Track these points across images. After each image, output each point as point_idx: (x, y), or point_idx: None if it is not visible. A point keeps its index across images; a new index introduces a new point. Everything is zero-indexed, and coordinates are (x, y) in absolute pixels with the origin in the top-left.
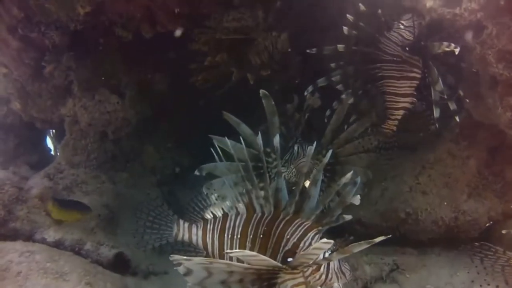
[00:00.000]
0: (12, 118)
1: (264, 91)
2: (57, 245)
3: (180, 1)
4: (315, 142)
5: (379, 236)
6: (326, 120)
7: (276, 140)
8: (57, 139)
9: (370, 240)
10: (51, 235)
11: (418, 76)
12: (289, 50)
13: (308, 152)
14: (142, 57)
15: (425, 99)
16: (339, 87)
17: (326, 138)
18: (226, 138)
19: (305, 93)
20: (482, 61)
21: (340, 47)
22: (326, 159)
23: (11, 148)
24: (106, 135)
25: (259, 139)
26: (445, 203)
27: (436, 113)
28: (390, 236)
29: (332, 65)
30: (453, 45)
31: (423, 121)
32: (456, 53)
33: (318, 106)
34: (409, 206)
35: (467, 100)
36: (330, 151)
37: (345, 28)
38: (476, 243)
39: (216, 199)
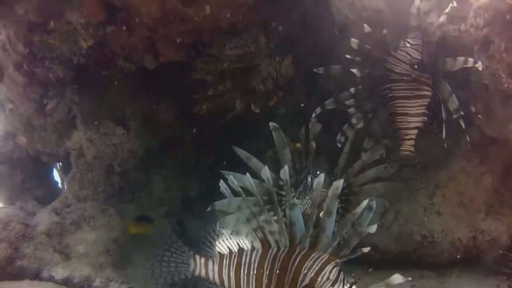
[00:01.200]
0: (19, 152)
1: (274, 124)
2: (65, 282)
3: (181, 31)
4: (323, 174)
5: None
6: (339, 145)
7: (285, 172)
8: (63, 172)
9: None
10: (59, 272)
11: (429, 94)
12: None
13: (316, 185)
14: (146, 88)
15: (435, 118)
16: (351, 110)
17: (340, 167)
18: (237, 174)
19: (313, 115)
20: (492, 77)
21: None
22: (338, 190)
23: (18, 183)
24: (113, 168)
25: (267, 172)
26: (462, 223)
27: (444, 133)
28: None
29: (352, 89)
30: (471, 60)
31: (434, 141)
32: (480, 68)
33: (320, 130)
34: (424, 228)
35: (479, 116)
36: (342, 181)
37: (348, 56)
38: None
39: (230, 235)
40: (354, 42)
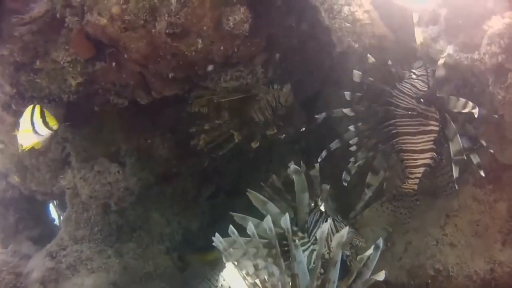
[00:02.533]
0: (12, 192)
1: (295, 167)
2: None
3: (173, 66)
4: (327, 227)
5: None
6: (345, 184)
7: (286, 220)
8: (60, 208)
9: None
10: None
11: (436, 129)
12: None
13: (320, 235)
14: (141, 122)
15: (445, 152)
16: (352, 148)
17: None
18: (253, 219)
19: (319, 159)
20: (508, 106)
21: (347, 111)
22: (343, 239)
23: (11, 224)
24: (109, 206)
25: (287, 222)
26: (478, 254)
27: (456, 172)
28: None
29: (351, 127)
30: (471, 104)
31: (443, 177)
32: (476, 115)
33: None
34: (437, 261)
35: (491, 151)
36: (347, 229)
37: (346, 93)
38: None
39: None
40: (356, 74)
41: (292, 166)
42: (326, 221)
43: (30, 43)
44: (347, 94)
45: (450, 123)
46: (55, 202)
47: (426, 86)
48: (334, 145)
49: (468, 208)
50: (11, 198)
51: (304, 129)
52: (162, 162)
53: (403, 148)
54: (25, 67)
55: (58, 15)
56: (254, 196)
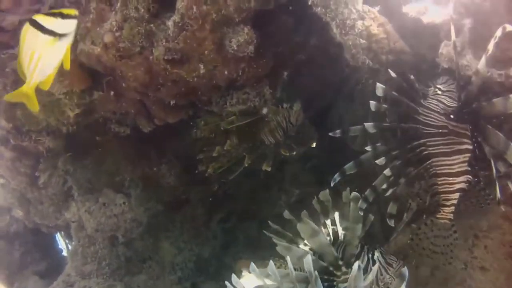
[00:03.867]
0: (16, 226)
1: (357, 194)
2: None
3: (175, 93)
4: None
5: None
6: (361, 213)
7: (309, 262)
8: (68, 237)
9: None
10: None
11: (470, 147)
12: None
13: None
14: (145, 150)
15: (477, 174)
16: (386, 172)
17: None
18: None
19: (332, 183)
20: None
21: (369, 126)
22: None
23: (16, 258)
24: (117, 239)
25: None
26: None
27: (500, 193)
28: None
29: (368, 148)
30: None
31: (476, 200)
32: None
33: None
34: (468, 287)
35: None
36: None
37: (372, 103)
38: None
39: None
40: (380, 88)
41: (353, 193)
42: (373, 254)
43: None
44: (372, 104)
45: (494, 133)
46: (62, 232)
47: (455, 101)
48: (349, 169)
49: (498, 228)
50: (15, 232)
51: (315, 145)
52: (169, 190)
53: (437, 171)
54: None
55: None
56: (304, 223)
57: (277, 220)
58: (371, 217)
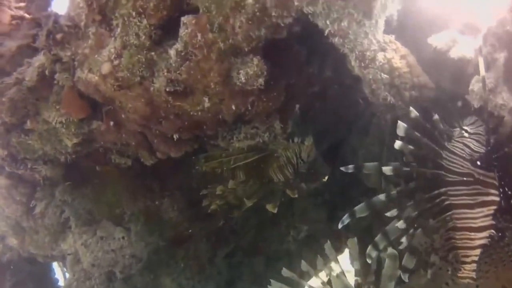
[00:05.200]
0: (10, 254)
1: (394, 252)
2: None
3: (178, 127)
4: None
5: None
6: (369, 261)
7: None
8: (65, 266)
9: None
10: None
11: (497, 199)
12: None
13: None
14: (147, 182)
15: (501, 228)
16: (400, 225)
17: None
18: None
19: (340, 225)
20: None
21: (387, 169)
22: None
23: None
24: (114, 274)
25: None
26: None
27: None
28: None
29: (382, 197)
30: None
31: (499, 257)
32: None
33: None
34: None
35: None
36: None
37: (398, 143)
38: None
39: None
40: (401, 127)
41: (390, 250)
42: None
43: (19, 102)
44: (398, 143)
45: None
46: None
47: (483, 146)
48: (360, 211)
49: None
50: (8, 261)
51: (327, 179)
52: (172, 225)
53: (458, 224)
54: (15, 128)
55: (47, 72)
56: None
57: (284, 257)
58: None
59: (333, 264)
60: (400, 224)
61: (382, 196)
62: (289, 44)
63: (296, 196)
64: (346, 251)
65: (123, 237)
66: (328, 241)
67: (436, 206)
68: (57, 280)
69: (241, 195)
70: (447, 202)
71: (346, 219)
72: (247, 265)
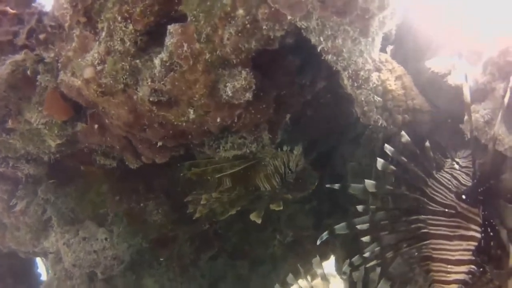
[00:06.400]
0: None
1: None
2: None
3: (162, 136)
4: None
5: None
6: (342, 278)
7: None
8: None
9: None
10: None
11: (478, 236)
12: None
13: None
14: (133, 184)
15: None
16: (365, 239)
17: None
18: None
19: (318, 242)
20: None
21: (370, 184)
22: None
23: None
24: (96, 274)
25: None
26: None
27: None
28: None
29: (360, 207)
30: None
31: None
32: None
33: None
34: None
35: None
36: None
37: (380, 161)
38: None
39: None
40: (388, 149)
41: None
42: None
43: (1, 101)
44: (380, 162)
45: None
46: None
47: (471, 180)
48: (340, 229)
49: None
50: None
51: (315, 185)
52: (156, 227)
53: (434, 255)
54: None
55: (29, 72)
56: None
57: (269, 261)
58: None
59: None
60: (375, 245)
61: (360, 208)
62: (282, 54)
63: (281, 208)
64: (332, 257)
65: (105, 238)
66: (318, 257)
67: (412, 231)
68: (40, 275)
69: (226, 202)
70: (424, 230)
71: (325, 236)
72: (231, 268)
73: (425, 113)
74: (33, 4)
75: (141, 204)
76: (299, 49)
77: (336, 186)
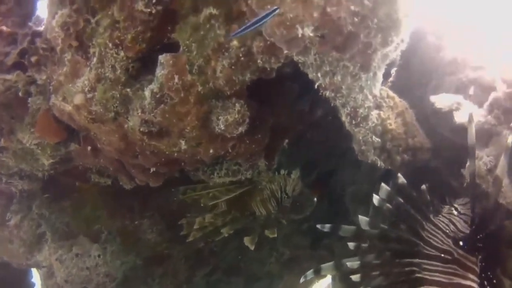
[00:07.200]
0: None
1: None
2: None
3: (155, 163)
4: None
5: None
6: None
7: None
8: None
9: None
10: None
11: (474, 286)
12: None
13: None
14: (128, 201)
15: None
16: (354, 277)
17: None
18: None
19: (301, 280)
20: None
21: (364, 221)
22: None
23: None
24: None
25: None
26: None
27: None
28: None
29: (351, 244)
30: None
31: None
32: None
33: None
34: None
35: None
36: None
37: (375, 198)
38: None
39: None
40: (384, 190)
41: None
42: None
43: None
44: (376, 199)
45: None
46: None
47: (469, 228)
48: (326, 270)
49: None
50: None
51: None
52: (150, 246)
53: None
54: None
55: (21, 94)
56: None
57: (265, 278)
58: None
59: None
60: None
61: (353, 259)
62: (280, 80)
63: (275, 236)
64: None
65: (98, 255)
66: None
67: (405, 274)
68: (34, 284)
69: (220, 226)
70: (418, 275)
71: (309, 275)
72: (226, 285)
73: (425, 152)
74: (29, 23)
75: (136, 222)
76: (298, 75)
77: (327, 227)
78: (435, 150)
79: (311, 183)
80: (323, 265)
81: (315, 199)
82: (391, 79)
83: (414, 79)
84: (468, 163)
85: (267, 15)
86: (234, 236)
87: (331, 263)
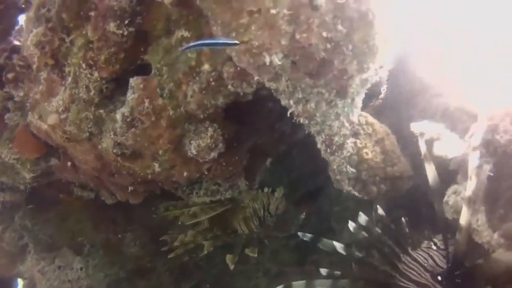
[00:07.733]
0: None
1: None
2: None
3: (131, 182)
4: None
5: None
6: None
7: None
8: None
9: None
10: None
11: None
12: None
13: None
14: (111, 215)
15: None
16: None
17: None
18: None
19: None
20: None
21: (339, 247)
22: None
23: None
24: None
25: None
26: None
27: None
28: None
29: (323, 270)
30: None
31: None
32: None
33: None
34: None
35: None
36: None
37: (351, 224)
38: None
39: None
40: (363, 218)
41: None
42: None
43: None
44: (351, 225)
45: None
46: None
47: (446, 264)
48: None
49: None
50: None
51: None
52: (133, 259)
53: None
54: None
55: None
56: None
57: None
58: None
59: None
60: None
61: (325, 282)
62: (260, 101)
63: (255, 255)
64: None
65: (81, 268)
66: None
67: None
68: None
69: (201, 243)
70: None
71: None
72: None
73: (406, 180)
74: (9, 38)
75: (119, 235)
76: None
77: (308, 236)
78: (422, 174)
79: (299, 200)
80: (294, 283)
81: (303, 216)
82: (381, 96)
83: (402, 98)
84: (448, 199)
85: (226, 43)
86: (219, 250)
87: (302, 282)
